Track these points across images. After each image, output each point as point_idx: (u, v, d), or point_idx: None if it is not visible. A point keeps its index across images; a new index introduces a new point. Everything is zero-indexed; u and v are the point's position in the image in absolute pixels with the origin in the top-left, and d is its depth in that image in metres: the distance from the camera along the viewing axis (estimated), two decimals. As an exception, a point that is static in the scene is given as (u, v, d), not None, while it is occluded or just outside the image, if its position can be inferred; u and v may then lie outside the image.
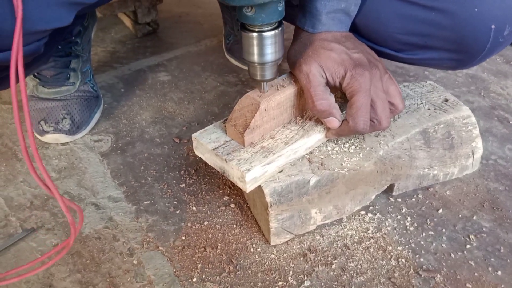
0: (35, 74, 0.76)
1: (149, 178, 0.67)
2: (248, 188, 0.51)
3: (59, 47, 0.77)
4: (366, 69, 0.51)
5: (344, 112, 0.56)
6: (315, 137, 0.56)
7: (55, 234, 0.59)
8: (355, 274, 0.52)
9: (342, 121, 0.54)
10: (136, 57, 1.01)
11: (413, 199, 0.62)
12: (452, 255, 0.54)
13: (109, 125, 0.79)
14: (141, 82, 0.91)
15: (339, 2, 0.54)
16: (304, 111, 0.59)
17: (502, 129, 0.75)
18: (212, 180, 0.66)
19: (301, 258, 0.55)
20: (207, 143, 0.54)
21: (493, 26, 0.53)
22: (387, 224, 0.58)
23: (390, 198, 0.62)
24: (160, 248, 0.56)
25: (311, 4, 0.54)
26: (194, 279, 0.52)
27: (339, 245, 0.56)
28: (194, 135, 0.55)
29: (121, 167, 0.70)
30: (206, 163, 0.57)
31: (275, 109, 0.54)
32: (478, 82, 0.89)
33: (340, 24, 0.56)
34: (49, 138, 0.73)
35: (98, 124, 0.79)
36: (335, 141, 0.58)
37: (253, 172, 0.50)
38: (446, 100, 0.64)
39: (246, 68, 0.93)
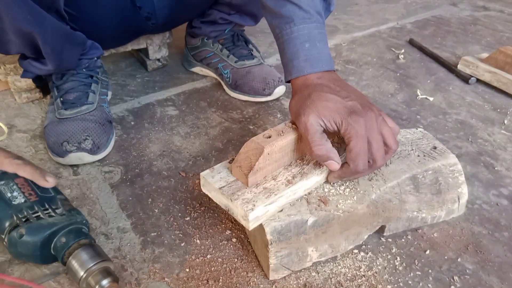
0: (61, 99, 0.84)
1: (156, 210, 0.72)
2: (251, 226, 0.55)
3: (84, 69, 0.88)
4: (360, 115, 0.57)
5: (342, 155, 0.61)
6: (314, 179, 0.61)
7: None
8: (347, 310, 0.56)
9: (343, 164, 0.59)
10: (145, 91, 1.07)
11: (403, 240, 0.66)
12: (438, 295, 0.59)
13: (119, 157, 0.84)
14: (150, 115, 0.97)
15: (303, 43, 0.66)
16: (304, 154, 0.64)
17: (487, 174, 0.81)
18: (216, 214, 0.71)
19: (297, 293, 0.58)
20: (213, 182, 0.59)
21: None
22: (378, 263, 0.63)
23: (382, 238, 0.66)
24: (166, 279, 0.60)
25: (289, 55, 0.67)
26: (197, 310, 0.56)
27: (333, 282, 0.60)
28: (202, 174, 0.60)
29: (130, 198, 0.74)
30: (210, 198, 0.62)
31: (277, 153, 0.59)
32: (466, 128, 0.95)
33: (312, 65, 0.66)
34: (72, 157, 0.78)
35: (109, 156, 0.84)
36: (332, 183, 0.63)
37: (256, 212, 0.55)
38: (435, 148, 0.70)
39: (255, 100, 1.00)
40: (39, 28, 0.72)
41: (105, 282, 0.55)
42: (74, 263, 0.56)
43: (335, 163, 0.58)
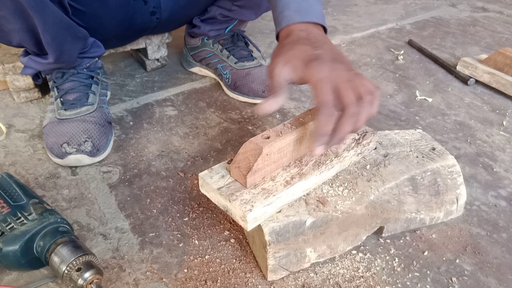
0: (61, 99, 0.83)
1: (155, 211, 0.71)
2: (249, 227, 0.55)
3: (84, 70, 0.87)
4: (325, 62, 0.56)
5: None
6: (312, 180, 0.61)
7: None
8: (345, 312, 0.56)
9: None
10: (144, 91, 1.06)
11: (401, 241, 0.66)
12: (436, 296, 0.59)
13: (118, 157, 0.84)
14: (149, 116, 0.97)
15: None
16: (303, 155, 0.64)
17: (486, 176, 0.81)
18: (214, 215, 0.71)
19: (296, 294, 0.58)
20: (212, 183, 0.58)
21: None
22: (376, 264, 0.62)
23: (380, 239, 0.66)
24: (164, 280, 0.60)
25: (280, 7, 0.67)
26: (195, 311, 0.56)
27: (331, 283, 0.60)
28: (200, 175, 0.60)
29: (128, 198, 0.74)
30: (208, 198, 0.62)
31: (276, 153, 0.59)
32: (465, 129, 0.95)
33: (302, 15, 0.65)
34: (71, 159, 0.78)
35: (107, 156, 0.83)
36: (330, 184, 0.63)
37: (254, 212, 0.54)
38: (434, 149, 0.70)
39: (254, 102, 1.00)
40: (40, 14, 0.70)
41: (87, 275, 0.54)
42: (55, 261, 0.56)
43: (272, 100, 0.58)
